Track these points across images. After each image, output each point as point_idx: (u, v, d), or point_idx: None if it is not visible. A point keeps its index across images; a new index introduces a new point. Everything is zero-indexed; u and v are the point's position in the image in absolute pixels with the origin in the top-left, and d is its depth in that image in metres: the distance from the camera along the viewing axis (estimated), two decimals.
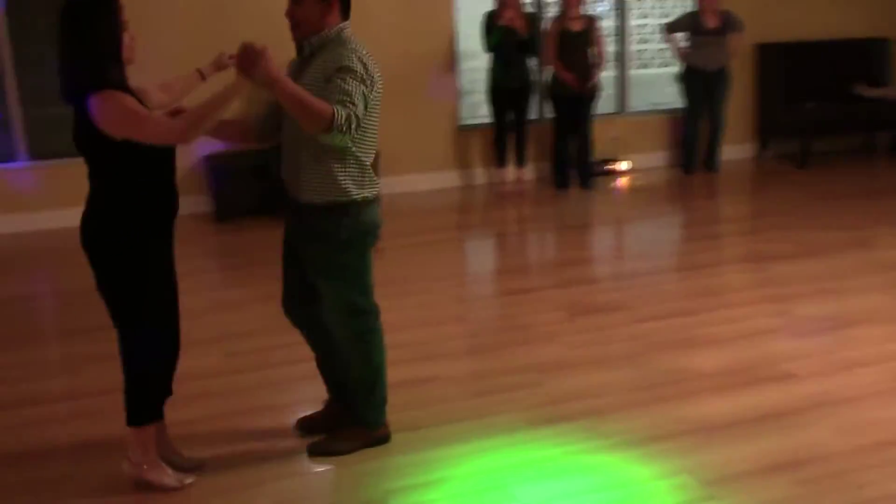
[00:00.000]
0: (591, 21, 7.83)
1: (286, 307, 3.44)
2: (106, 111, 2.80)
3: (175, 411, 3.49)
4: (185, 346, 4.47)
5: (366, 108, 2.96)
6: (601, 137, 8.36)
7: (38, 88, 7.05)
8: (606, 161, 8.52)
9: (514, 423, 3.65)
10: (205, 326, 4.82)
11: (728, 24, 8.12)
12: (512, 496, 3.14)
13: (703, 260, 5.97)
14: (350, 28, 3.07)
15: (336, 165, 3.06)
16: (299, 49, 3.09)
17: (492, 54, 7.63)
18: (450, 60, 8.00)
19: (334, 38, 3.03)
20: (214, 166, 7.15)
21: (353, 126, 2.87)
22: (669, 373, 4.09)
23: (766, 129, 9.00)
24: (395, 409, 3.71)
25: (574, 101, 7.83)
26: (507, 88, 7.63)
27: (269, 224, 6.61)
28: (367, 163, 3.14)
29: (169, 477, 3.21)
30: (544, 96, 8.26)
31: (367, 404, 3.42)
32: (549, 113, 8.21)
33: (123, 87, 2.88)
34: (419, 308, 5.12)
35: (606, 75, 8.50)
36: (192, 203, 7.38)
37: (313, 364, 3.63)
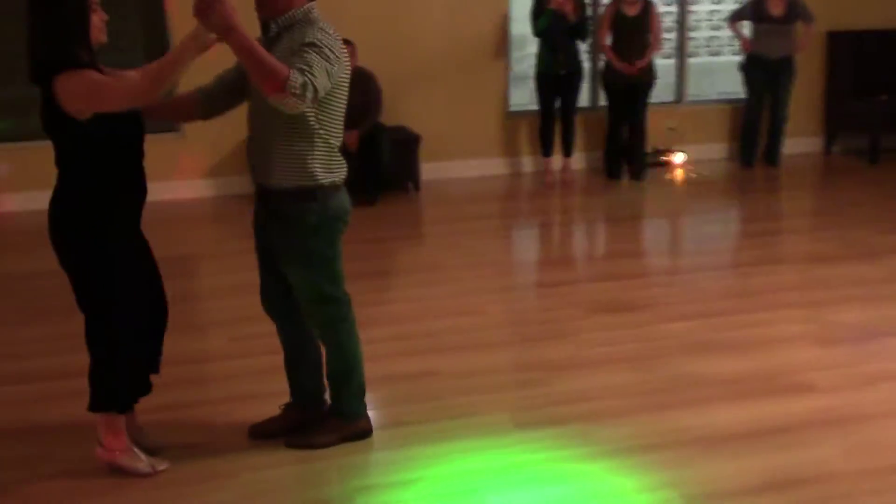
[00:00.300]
0: (647, 5, 7.55)
1: (262, 298, 3.36)
2: (69, 88, 2.76)
3: (166, 394, 3.47)
4: (191, 330, 4.51)
5: (330, 82, 2.86)
6: (658, 127, 8.08)
7: None
8: (661, 152, 8.22)
9: (504, 425, 3.51)
10: (215, 310, 4.82)
11: (794, 12, 7.74)
12: (484, 502, 3.02)
13: (745, 258, 5.72)
14: (317, 10, 2.97)
15: (304, 148, 2.97)
16: (265, 28, 3.00)
17: (540, 39, 7.42)
18: (501, 45, 7.82)
19: (302, 19, 2.94)
20: None
21: (310, 95, 2.76)
22: (679, 378, 3.89)
23: (835, 123, 8.56)
24: (387, 403, 3.63)
25: (628, 89, 7.58)
26: (554, 74, 7.40)
27: None
28: (336, 146, 3.05)
29: (142, 463, 3.18)
30: (597, 83, 8.03)
31: (343, 395, 3.33)
32: (602, 100, 7.98)
33: (91, 67, 2.83)
34: (442, 298, 5.00)
35: (665, 63, 8.22)
36: (234, 184, 7.41)
37: None
